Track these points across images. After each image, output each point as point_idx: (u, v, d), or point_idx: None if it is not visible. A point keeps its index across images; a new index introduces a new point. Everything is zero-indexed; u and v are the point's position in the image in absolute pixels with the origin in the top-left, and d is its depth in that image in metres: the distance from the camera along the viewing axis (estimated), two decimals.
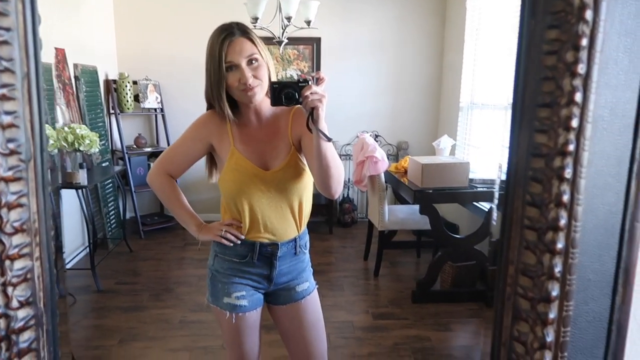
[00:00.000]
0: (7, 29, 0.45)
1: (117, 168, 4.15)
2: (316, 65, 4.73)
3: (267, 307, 1.55)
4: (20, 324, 0.50)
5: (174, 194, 1.49)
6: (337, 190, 1.32)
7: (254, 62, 1.29)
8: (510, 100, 0.56)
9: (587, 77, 0.49)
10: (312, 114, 1.18)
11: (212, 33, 1.30)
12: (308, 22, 3.34)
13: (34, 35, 0.47)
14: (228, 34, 1.27)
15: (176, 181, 1.52)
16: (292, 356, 1.57)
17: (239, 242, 1.41)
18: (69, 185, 3.08)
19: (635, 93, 0.52)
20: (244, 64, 1.28)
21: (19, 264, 0.49)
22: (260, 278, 1.46)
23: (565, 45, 0.49)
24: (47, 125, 2.92)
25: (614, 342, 0.57)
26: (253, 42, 1.30)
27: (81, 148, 2.94)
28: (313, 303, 1.53)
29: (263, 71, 1.31)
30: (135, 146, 4.52)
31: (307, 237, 1.52)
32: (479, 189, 3.05)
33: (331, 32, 4.63)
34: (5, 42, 0.45)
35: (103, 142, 4.08)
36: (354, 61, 4.74)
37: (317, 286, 1.55)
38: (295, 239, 1.45)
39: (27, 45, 0.47)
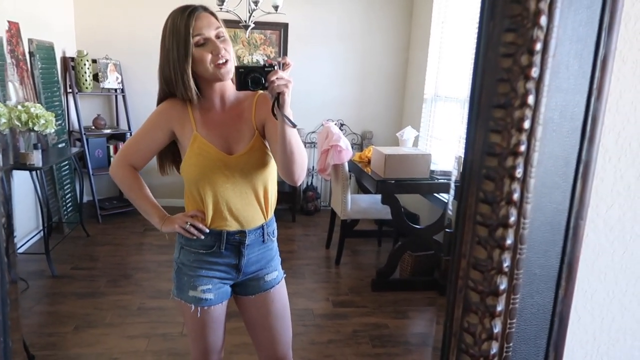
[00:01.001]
0: None
1: (75, 150, 4.01)
2: (283, 50, 4.69)
3: (233, 298, 1.53)
4: None
5: (137, 186, 1.44)
6: (300, 177, 1.32)
7: (221, 36, 1.29)
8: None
9: (539, 81, 0.51)
10: (277, 99, 1.17)
11: (171, 14, 1.28)
12: (275, 7, 3.31)
13: None
14: (192, 10, 1.26)
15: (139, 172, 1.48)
16: (257, 345, 1.57)
17: (202, 236, 1.38)
18: (23, 166, 2.96)
19: (584, 97, 0.54)
20: (213, 36, 1.27)
21: None
22: (228, 268, 1.43)
23: (520, 48, 0.51)
24: None
25: (556, 333, 0.61)
26: (216, 18, 1.30)
27: (36, 128, 2.82)
28: (281, 292, 1.52)
29: (230, 46, 1.31)
30: (93, 127, 4.38)
31: (274, 225, 1.51)
32: (439, 180, 3.11)
33: (299, 18, 4.59)
34: None
35: (59, 122, 3.93)
36: (321, 48, 4.73)
37: (284, 275, 1.55)
38: (262, 226, 1.44)
39: None
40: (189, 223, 1.37)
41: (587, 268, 0.63)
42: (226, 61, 1.28)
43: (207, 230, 1.38)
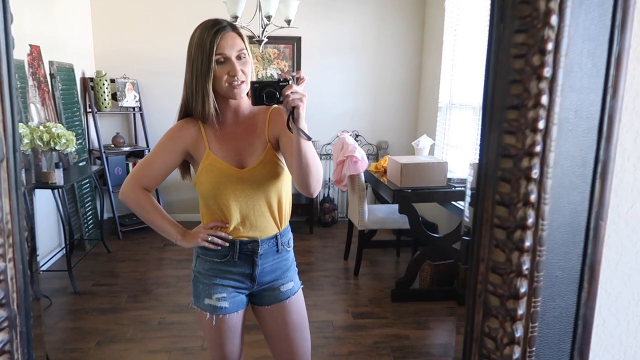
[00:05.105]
0: None
1: (95, 168, 4.08)
2: (296, 64, 4.73)
3: (251, 308, 1.54)
4: None
5: (152, 206, 1.45)
6: (316, 189, 1.33)
7: (242, 57, 1.31)
8: None
9: (552, 80, 0.51)
10: (292, 114, 1.19)
11: (199, 26, 1.30)
12: (288, 22, 3.34)
13: (5, 34, 0.47)
14: (220, 28, 1.28)
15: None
16: (276, 356, 1.57)
17: (227, 244, 1.40)
18: (45, 185, 3.02)
19: (599, 96, 0.53)
20: (234, 57, 1.29)
21: None
22: (242, 277, 1.45)
23: (532, 49, 0.50)
24: (21, 124, 2.86)
25: (580, 337, 0.59)
26: (242, 39, 1.32)
27: (57, 147, 2.89)
28: (298, 303, 1.52)
29: (249, 68, 1.33)
30: (113, 145, 4.46)
31: (290, 235, 1.51)
32: (457, 188, 3.09)
33: (311, 31, 4.64)
34: None
35: (80, 141, 4.01)
36: (334, 60, 4.76)
37: (302, 286, 1.55)
38: (276, 236, 1.45)
39: None
40: (209, 235, 1.39)
41: (610, 270, 0.62)
42: (241, 82, 1.31)
43: (231, 237, 1.40)
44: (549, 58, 0.50)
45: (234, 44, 1.29)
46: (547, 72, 0.51)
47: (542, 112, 0.51)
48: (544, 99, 0.51)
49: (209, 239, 1.39)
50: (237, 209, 1.38)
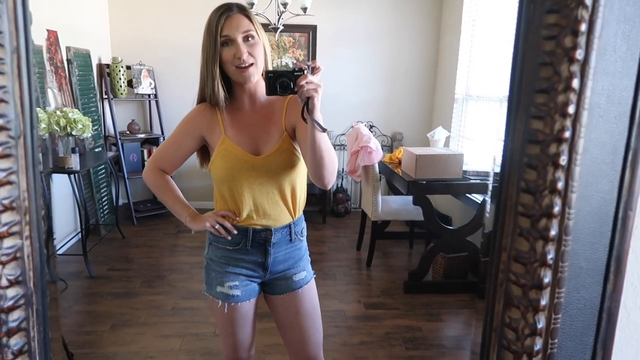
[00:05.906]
0: None
1: (110, 154, 4.12)
2: (312, 53, 4.70)
3: (263, 297, 1.54)
4: (10, 302, 0.49)
5: (167, 188, 1.48)
6: (330, 181, 1.31)
7: (250, 39, 1.28)
8: (505, 93, 0.55)
9: (584, 63, 0.49)
10: (307, 104, 1.16)
11: (211, 12, 1.30)
12: (304, 9, 3.32)
13: (23, 8, 0.46)
14: (226, 10, 1.27)
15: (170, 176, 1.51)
16: (287, 345, 1.57)
17: (229, 237, 1.40)
18: (61, 169, 3.05)
19: (632, 81, 0.51)
20: (239, 39, 1.27)
21: (8, 242, 0.48)
22: (254, 266, 1.44)
23: (564, 30, 0.48)
24: (38, 108, 2.90)
25: (604, 330, 0.58)
26: (250, 20, 1.30)
27: (73, 132, 2.91)
28: (310, 292, 1.51)
29: (259, 50, 1.30)
30: (128, 132, 4.49)
31: (303, 224, 1.50)
32: (472, 180, 3.05)
33: (327, 19, 4.60)
34: None
35: (96, 127, 4.04)
36: (349, 50, 4.72)
37: (314, 275, 1.55)
38: (289, 225, 1.44)
39: (16, 18, 0.46)
40: (217, 222, 1.39)
41: (637, 262, 0.60)
42: (249, 65, 1.28)
43: (235, 232, 1.40)
44: (582, 40, 0.48)
45: (240, 25, 1.27)
46: (579, 54, 0.48)
47: (573, 97, 0.49)
48: (575, 83, 0.49)
49: (216, 226, 1.39)
50: (250, 197, 1.38)
